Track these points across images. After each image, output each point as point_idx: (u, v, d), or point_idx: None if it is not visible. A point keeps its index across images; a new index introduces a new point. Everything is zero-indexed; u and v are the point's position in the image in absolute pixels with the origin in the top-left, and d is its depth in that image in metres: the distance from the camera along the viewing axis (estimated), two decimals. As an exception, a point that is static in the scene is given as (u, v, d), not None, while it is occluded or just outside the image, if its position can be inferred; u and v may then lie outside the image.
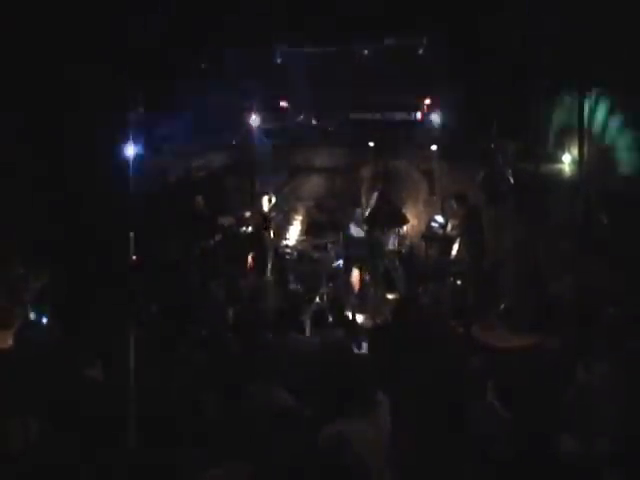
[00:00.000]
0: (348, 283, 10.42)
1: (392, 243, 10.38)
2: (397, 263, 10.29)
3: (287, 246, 11.16)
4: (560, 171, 8.84)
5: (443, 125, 9.90)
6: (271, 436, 3.70)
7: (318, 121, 10.74)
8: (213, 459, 3.61)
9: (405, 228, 10.69)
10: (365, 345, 6.78)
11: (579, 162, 8.38)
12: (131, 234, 5.76)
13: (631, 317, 5.55)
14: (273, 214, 11.07)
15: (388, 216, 10.06)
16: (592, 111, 8.28)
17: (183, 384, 4.75)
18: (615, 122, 8.16)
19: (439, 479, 4.10)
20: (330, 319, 7.05)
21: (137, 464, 3.90)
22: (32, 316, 7.19)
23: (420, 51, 9.63)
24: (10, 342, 5.71)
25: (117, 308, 5.47)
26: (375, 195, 10.30)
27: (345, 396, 3.61)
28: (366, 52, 9.89)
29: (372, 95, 10.22)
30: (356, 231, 10.10)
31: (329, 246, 10.47)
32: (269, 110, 10.64)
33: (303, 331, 6.56)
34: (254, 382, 4.52)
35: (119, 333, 4.87)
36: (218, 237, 10.02)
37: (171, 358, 5.32)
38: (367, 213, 10.40)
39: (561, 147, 8.81)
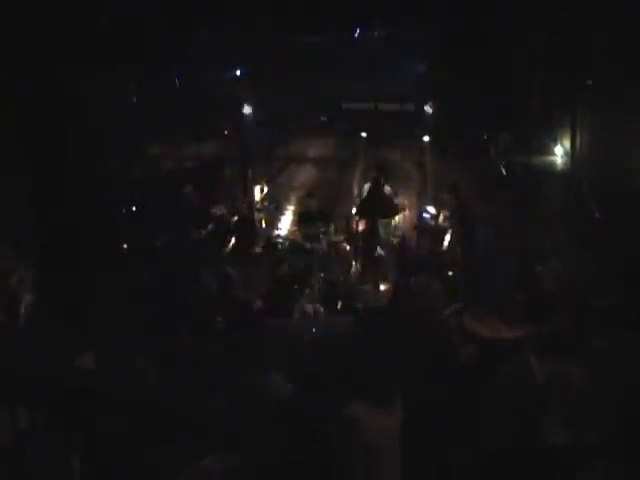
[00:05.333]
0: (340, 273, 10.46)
1: (384, 233, 10.41)
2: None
3: (279, 236, 11.16)
4: (552, 163, 8.87)
5: (436, 116, 9.89)
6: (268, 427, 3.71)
7: (311, 111, 10.72)
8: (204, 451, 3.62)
9: (397, 218, 10.71)
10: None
11: (571, 154, 8.41)
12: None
13: (618, 308, 5.58)
14: (265, 204, 11.06)
15: (380, 206, 10.07)
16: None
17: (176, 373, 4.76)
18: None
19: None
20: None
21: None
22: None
23: (413, 41, 9.60)
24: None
25: (109, 296, 5.47)
26: (367, 185, 10.32)
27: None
28: (360, 42, 9.85)
29: (365, 85, 10.19)
30: None
31: (321, 236, 10.47)
32: (262, 99, 10.61)
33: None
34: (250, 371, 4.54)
35: (111, 321, 4.87)
36: (210, 227, 10.00)
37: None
38: (359, 203, 10.43)
39: (554, 139, 8.83)
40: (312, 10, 8.83)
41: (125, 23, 7.38)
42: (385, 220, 10.35)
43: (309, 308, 7.69)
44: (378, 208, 10.03)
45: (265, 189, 11.04)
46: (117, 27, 7.30)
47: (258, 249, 10.51)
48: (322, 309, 7.79)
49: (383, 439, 3.21)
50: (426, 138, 10.52)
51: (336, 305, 8.95)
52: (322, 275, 10.39)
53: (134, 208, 8.98)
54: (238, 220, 10.47)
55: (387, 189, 10.33)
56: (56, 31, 6.05)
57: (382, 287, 10.03)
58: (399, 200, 10.65)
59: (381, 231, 10.30)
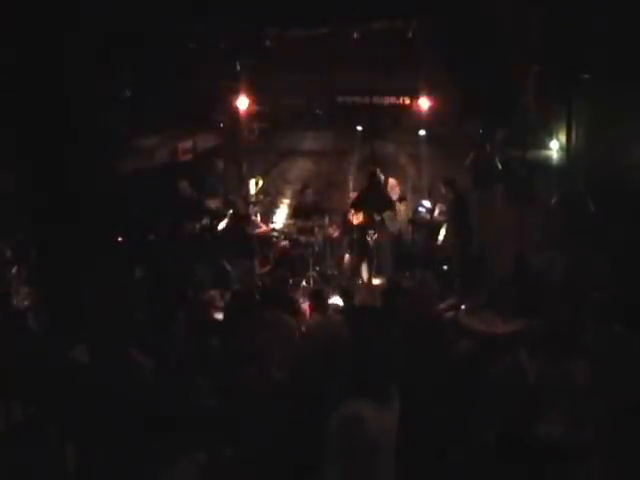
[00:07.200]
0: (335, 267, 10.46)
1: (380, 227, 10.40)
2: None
3: (274, 229, 11.14)
4: (548, 158, 8.86)
5: (431, 109, 9.87)
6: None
7: (306, 104, 10.68)
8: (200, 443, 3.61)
9: (393, 212, 10.69)
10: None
11: (567, 149, 8.40)
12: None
13: (616, 303, 5.58)
14: (260, 197, 11.04)
15: (376, 200, 10.06)
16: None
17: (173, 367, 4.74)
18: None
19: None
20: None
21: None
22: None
23: (409, 34, 9.57)
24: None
25: (105, 290, 5.43)
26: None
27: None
28: (355, 35, 9.81)
29: (360, 79, 10.16)
30: None
31: (316, 230, 10.46)
32: (257, 92, 10.57)
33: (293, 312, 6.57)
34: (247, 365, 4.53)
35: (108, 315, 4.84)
36: (205, 220, 9.97)
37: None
38: (355, 197, 10.41)
39: (550, 134, 8.81)
40: (311, 5, 8.80)
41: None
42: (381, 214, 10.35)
43: None
44: (374, 202, 10.02)
45: (260, 183, 11.01)
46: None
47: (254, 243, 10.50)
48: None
49: (380, 436, 3.20)
50: (422, 132, 10.50)
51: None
52: (317, 269, 10.39)
53: (130, 203, 8.93)
54: (233, 214, 10.44)
55: (392, 181, 10.39)
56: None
57: (377, 281, 10.04)
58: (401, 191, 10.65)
59: (379, 224, 10.29)
